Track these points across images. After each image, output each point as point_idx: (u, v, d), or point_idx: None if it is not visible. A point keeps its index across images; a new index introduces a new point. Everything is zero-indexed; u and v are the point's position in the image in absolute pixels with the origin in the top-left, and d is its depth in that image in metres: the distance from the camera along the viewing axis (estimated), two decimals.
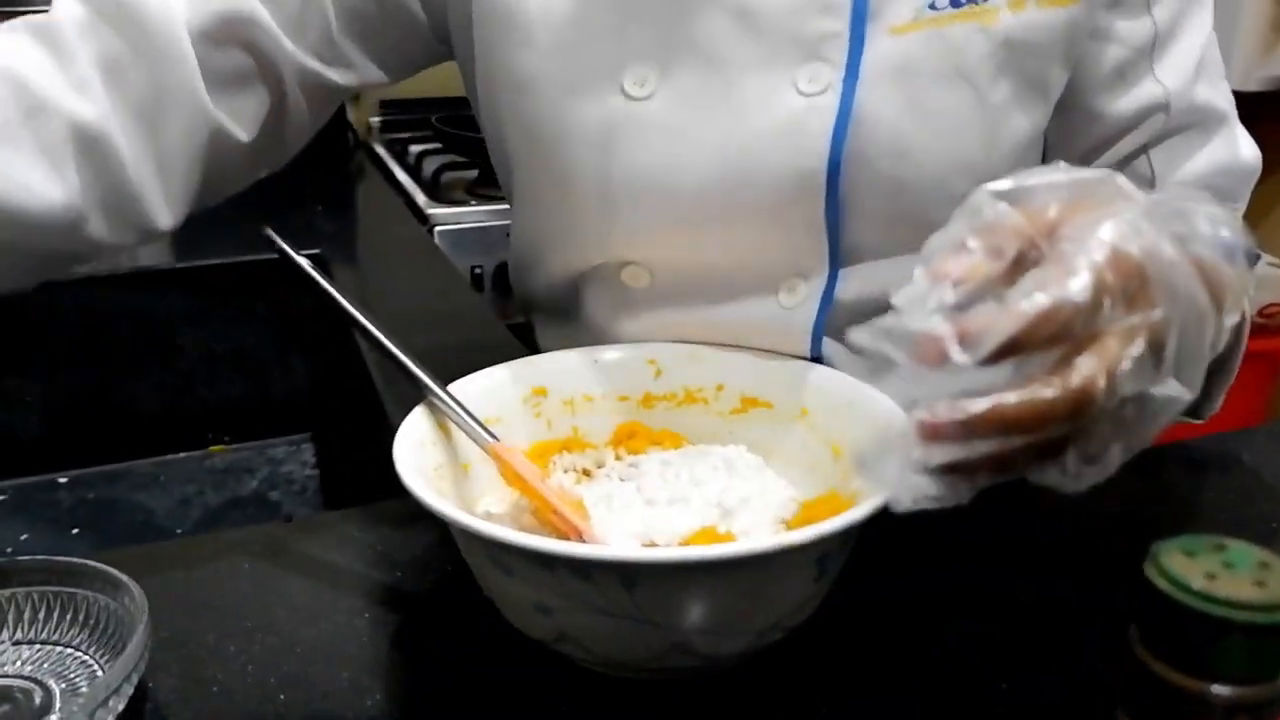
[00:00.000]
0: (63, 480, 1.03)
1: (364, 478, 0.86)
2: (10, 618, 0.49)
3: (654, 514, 0.51)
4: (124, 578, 0.48)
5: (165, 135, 0.57)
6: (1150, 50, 0.61)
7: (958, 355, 0.35)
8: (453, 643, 0.50)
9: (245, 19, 0.58)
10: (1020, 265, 0.37)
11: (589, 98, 0.55)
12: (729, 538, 0.49)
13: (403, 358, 0.52)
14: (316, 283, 0.52)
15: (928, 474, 0.36)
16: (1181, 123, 0.63)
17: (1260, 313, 0.58)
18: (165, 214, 0.59)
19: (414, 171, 1.66)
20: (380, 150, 1.80)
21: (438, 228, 1.47)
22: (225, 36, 0.58)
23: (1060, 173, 0.40)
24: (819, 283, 0.59)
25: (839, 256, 0.58)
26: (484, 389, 0.55)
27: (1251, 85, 1.85)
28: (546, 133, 0.57)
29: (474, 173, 1.61)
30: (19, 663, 0.48)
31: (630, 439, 0.58)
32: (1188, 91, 0.62)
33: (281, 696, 0.46)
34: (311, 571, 0.55)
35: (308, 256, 0.53)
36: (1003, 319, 0.35)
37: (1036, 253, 0.38)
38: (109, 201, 0.56)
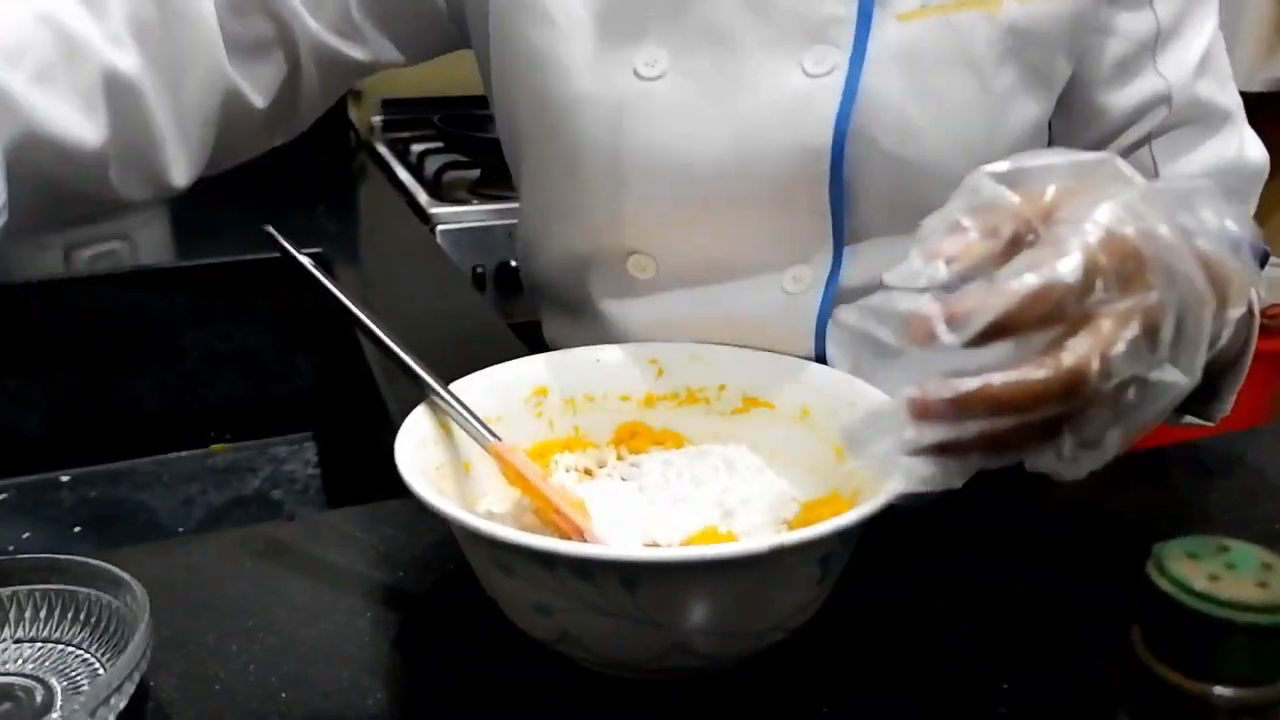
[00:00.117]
0: (65, 479, 1.03)
1: (366, 477, 0.86)
2: (12, 616, 0.49)
3: (655, 514, 0.51)
4: (126, 576, 0.48)
5: (186, 94, 0.60)
6: (1153, 45, 0.61)
7: (945, 335, 0.35)
8: (454, 642, 0.50)
9: None
10: (1016, 247, 0.37)
11: (602, 77, 0.57)
12: (730, 538, 0.49)
13: (404, 357, 0.52)
14: (318, 281, 0.52)
15: (920, 454, 0.36)
16: (1183, 117, 0.63)
17: (1264, 313, 0.58)
18: (181, 170, 0.62)
19: (416, 171, 1.66)
20: (382, 149, 1.81)
21: (439, 227, 1.47)
22: (248, 6, 0.62)
23: (1059, 155, 0.40)
24: (824, 268, 0.59)
25: (844, 241, 0.59)
26: (485, 388, 0.55)
27: (1255, 86, 1.85)
28: (559, 110, 0.59)
29: (476, 172, 1.61)
30: (20, 661, 0.48)
31: (632, 439, 0.58)
32: (1189, 86, 0.62)
33: (283, 695, 0.46)
34: (313, 571, 0.55)
35: (309, 255, 0.53)
36: (992, 299, 0.35)
37: (1033, 235, 0.37)
38: (131, 151, 0.59)
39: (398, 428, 0.49)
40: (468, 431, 0.51)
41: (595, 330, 0.64)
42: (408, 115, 1.88)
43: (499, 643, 0.48)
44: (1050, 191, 0.38)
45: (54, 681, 0.47)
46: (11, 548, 0.91)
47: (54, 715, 0.45)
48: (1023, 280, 0.35)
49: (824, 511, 0.49)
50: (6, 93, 0.52)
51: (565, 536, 0.49)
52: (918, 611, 0.53)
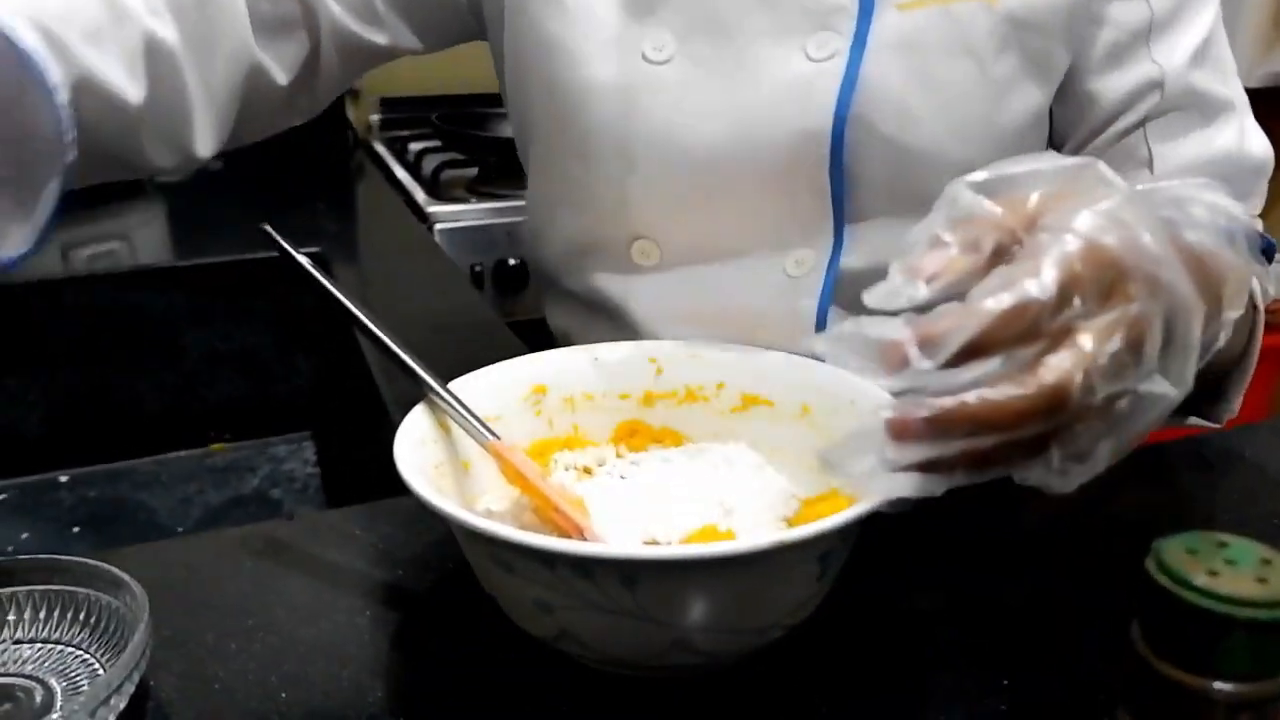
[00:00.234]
0: (64, 479, 1.03)
1: (365, 476, 0.86)
2: (11, 616, 0.49)
3: (655, 512, 0.51)
4: (125, 576, 0.48)
5: (215, 67, 0.63)
6: (1146, 34, 0.62)
7: (918, 361, 0.34)
8: (453, 641, 0.50)
9: None
10: (1000, 257, 0.36)
11: (612, 61, 0.60)
12: (730, 536, 0.49)
13: (403, 355, 0.52)
14: (317, 280, 0.53)
15: (901, 472, 0.36)
16: (1177, 103, 0.63)
17: (1267, 308, 0.58)
18: (206, 141, 0.65)
19: (414, 169, 1.66)
20: (380, 148, 1.80)
21: (437, 226, 1.47)
22: None
23: (1041, 161, 0.39)
24: (825, 252, 0.61)
25: (844, 225, 0.60)
26: (484, 387, 0.55)
27: (1253, 82, 1.85)
28: (570, 92, 0.61)
29: (474, 170, 1.61)
30: (20, 661, 0.48)
31: (631, 437, 0.58)
32: (1184, 75, 0.62)
33: (283, 695, 0.46)
34: (312, 570, 0.55)
35: (308, 254, 0.53)
36: (966, 320, 0.34)
37: (1017, 245, 0.37)
38: (164, 116, 0.61)
39: (397, 427, 0.49)
40: (467, 430, 0.51)
41: (600, 317, 0.65)
42: (406, 114, 1.88)
43: (499, 641, 0.48)
44: (1033, 199, 0.38)
45: (54, 682, 0.47)
46: (11, 548, 0.91)
47: (54, 715, 0.45)
48: (997, 299, 0.34)
49: (824, 509, 0.49)
50: (62, 42, 0.53)
51: (565, 535, 0.49)
52: (917, 610, 0.53)
